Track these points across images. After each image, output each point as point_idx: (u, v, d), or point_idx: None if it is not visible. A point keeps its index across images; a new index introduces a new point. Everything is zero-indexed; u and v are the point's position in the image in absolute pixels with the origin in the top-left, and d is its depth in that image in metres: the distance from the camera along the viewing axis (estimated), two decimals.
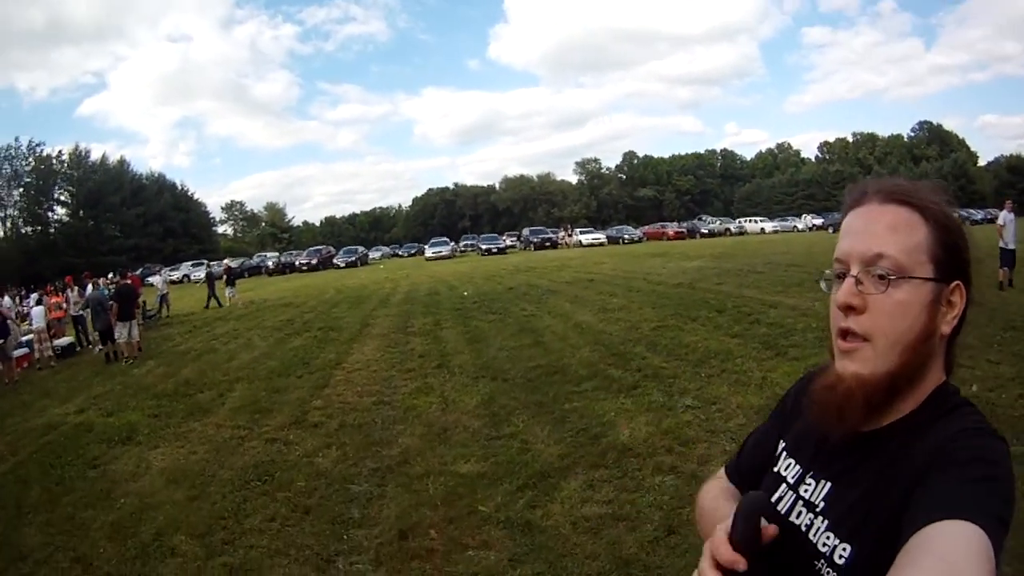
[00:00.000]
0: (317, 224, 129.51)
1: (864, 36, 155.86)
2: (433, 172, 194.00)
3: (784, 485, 1.33)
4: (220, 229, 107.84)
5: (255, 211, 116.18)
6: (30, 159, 77.02)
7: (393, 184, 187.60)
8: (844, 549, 1.12)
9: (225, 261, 41.42)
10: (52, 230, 77.39)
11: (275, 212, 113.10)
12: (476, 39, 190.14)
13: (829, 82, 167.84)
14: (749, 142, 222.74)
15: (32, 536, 6.29)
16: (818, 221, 63.34)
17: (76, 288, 20.48)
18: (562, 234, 64.91)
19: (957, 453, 1.07)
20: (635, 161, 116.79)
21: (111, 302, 16.38)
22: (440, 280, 30.34)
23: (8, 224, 76.12)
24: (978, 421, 1.16)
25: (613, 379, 9.45)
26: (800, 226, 65.54)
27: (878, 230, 1.19)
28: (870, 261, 1.17)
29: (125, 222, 78.85)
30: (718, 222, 73.42)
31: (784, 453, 1.38)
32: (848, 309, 1.18)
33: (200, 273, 47.60)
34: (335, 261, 59.56)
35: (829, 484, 1.23)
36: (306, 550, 5.34)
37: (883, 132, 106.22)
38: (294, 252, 72.36)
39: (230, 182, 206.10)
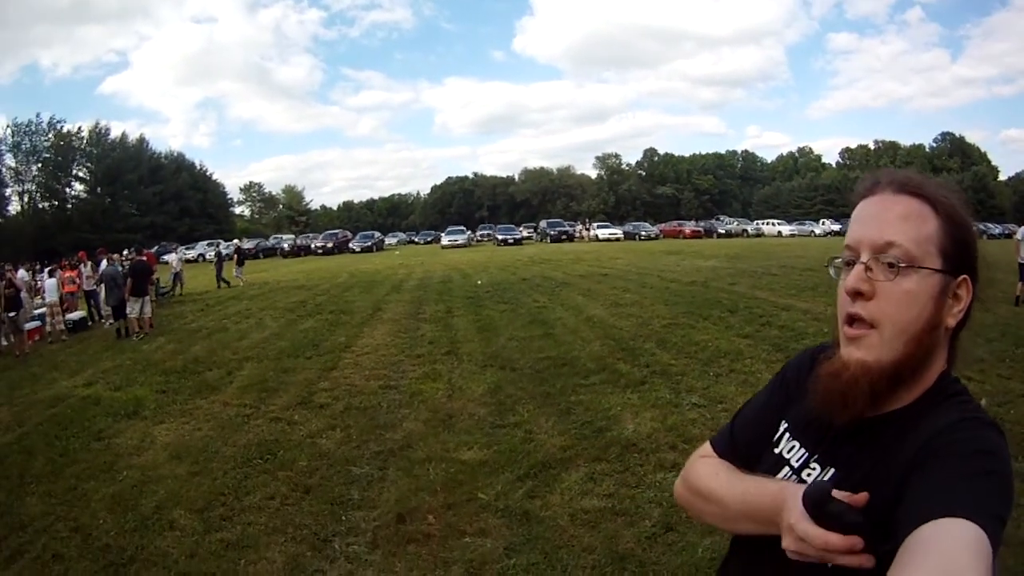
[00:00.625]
0: (335, 208, 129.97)
1: (890, 44, 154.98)
2: (453, 161, 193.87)
3: (787, 468, 1.33)
4: (237, 210, 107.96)
5: (273, 193, 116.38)
6: (50, 135, 77.27)
7: (412, 172, 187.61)
8: None
9: (235, 241, 41.35)
10: (69, 206, 77.93)
11: (293, 195, 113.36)
12: (501, 30, 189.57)
13: (853, 89, 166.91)
14: (770, 145, 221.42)
15: (34, 505, 6.32)
16: (836, 227, 63.10)
17: (90, 263, 20.55)
18: (579, 228, 64.88)
19: (957, 444, 1.07)
20: (655, 158, 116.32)
21: (125, 277, 16.43)
22: (454, 268, 30.38)
23: (26, 199, 76.42)
24: (975, 409, 1.17)
25: (621, 374, 9.41)
26: (817, 231, 65.21)
27: (890, 219, 1.20)
28: (881, 249, 1.18)
29: (142, 200, 79.20)
30: (735, 223, 73.02)
31: (787, 435, 1.38)
32: (856, 295, 1.19)
33: (224, 251, 48.00)
34: (351, 245, 59.56)
35: (833, 471, 1.24)
36: (304, 529, 5.35)
37: (905, 141, 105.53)
38: (310, 235, 72.36)
39: (249, 163, 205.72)
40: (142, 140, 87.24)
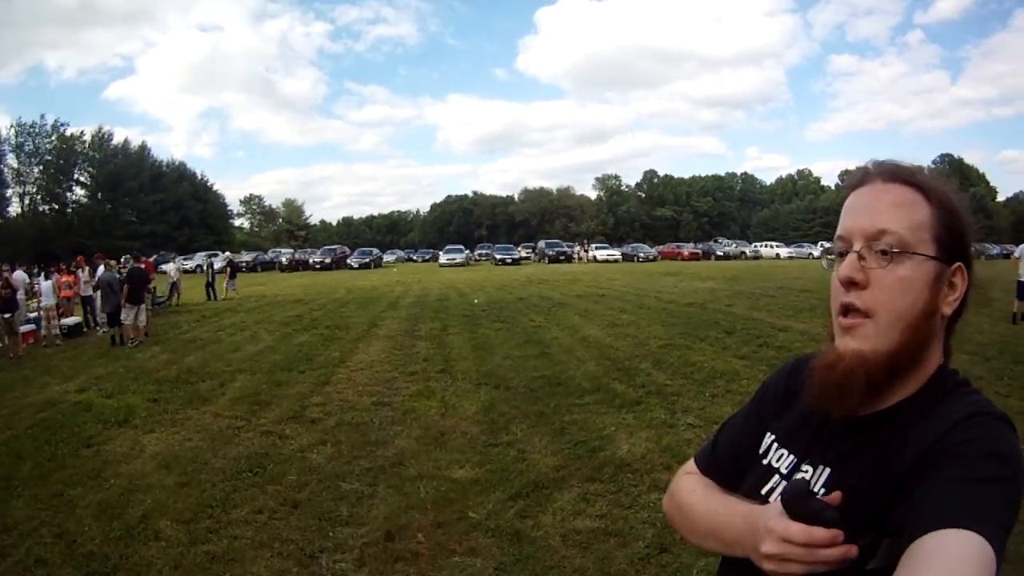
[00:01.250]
0: (334, 224, 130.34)
1: (891, 67, 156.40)
2: (453, 179, 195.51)
3: (777, 476, 1.29)
4: (237, 222, 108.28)
5: (273, 206, 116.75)
6: (53, 137, 77.52)
7: (412, 189, 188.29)
8: None
9: (227, 254, 41.33)
10: (69, 210, 78.31)
11: (293, 209, 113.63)
12: (505, 49, 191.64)
13: (852, 111, 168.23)
14: (770, 167, 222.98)
15: (19, 510, 6.25)
16: None
17: (88, 268, 20.47)
18: (577, 249, 64.93)
19: (966, 445, 1.03)
20: (655, 180, 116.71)
21: (122, 284, 16.38)
22: (451, 287, 30.43)
23: (26, 201, 76.69)
24: (982, 403, 1.14)
25: (616, 394, 9.35)
26: (815, 253, 64.99)
27: (881, 207, 1.18)
28: (873, 236, 1.16)
29: (142, 208, 79.62)
30: (734, 245, 73.34)
31: (775, 445, 1.34)
32: (850, 284, 1.16)
33: (216, 263, 48.07)
34: (349, 261, 59.79)
35: (828, 470, 1.20)
36: (290, 544, 5.27)
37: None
38: (309, 250, 72.74)
39: (250, 175, 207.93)
40: (144, 147, 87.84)
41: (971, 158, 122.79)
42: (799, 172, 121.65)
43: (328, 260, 58.34)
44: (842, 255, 1.19)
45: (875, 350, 1.13)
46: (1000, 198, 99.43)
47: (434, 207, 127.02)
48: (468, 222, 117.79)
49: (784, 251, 68.03)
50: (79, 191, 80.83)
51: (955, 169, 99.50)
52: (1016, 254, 15.35)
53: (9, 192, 75.22)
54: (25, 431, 8.86)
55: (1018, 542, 1.28)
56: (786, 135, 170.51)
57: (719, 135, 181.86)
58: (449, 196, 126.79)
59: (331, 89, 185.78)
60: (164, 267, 30.43)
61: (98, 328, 18.81)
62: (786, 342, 12.44)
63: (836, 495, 1.04)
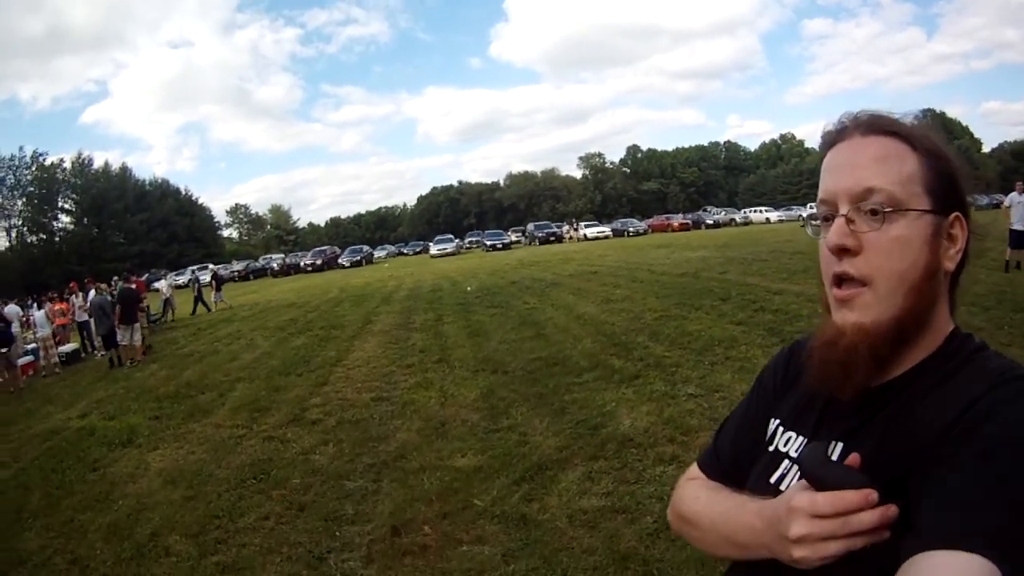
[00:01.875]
0: (322, 225, 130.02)
1: (865, 27, 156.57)
2: (437, 170, 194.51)
3: (787, 461, 1.19)
4: (225, 233, 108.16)
5: (260, 214, 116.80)
6: (33, 168, 77.50)
7: (397, 183, 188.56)
8: None
9: (210, 267, 41.37)
10: (57, 238, 78.22)
11: (280, 214, 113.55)
12: (477, 38, 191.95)
13: (831, 73, 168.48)
14: (752, 133, 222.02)
15: (31, 540, 6.25)
16: None
17: (81, 294, 20.41)
18: (567, 228, 64.91)
19: (987, 425, 0.91)
20: (639, 155, 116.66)
21: (114, 306, 16.35)
22: (444, 276, 30.36)
23: (13, 234, 76.81)
24: (1007, 367, 1.01)
25: (615, 369, 9.31)
26: (805, 215, 64.66)
27: (864, 163, 1.07)
28: (860, 197, 1.05)
29: (129, 228, 79.61)
30: (723, 213, 73.18)
31: (780, 429, 1.25)
32: (841, 251, 1.06)
33: (206, 276, 47.96)
34: (340, 261, 59.74)
35: (841, 445, 1.09)
36: (298, 547, 5.26)
37: None
38: (299, 253, 72.61)
39: (234, 186, 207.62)
40: (125, 169, 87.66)
41: (953, 112, 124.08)
42: (782, 136, 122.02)
43: (319, 261, 58.12)
44: (828, 220, 1.10)
45: (877, 321, 1.04)
46: (985, 149, 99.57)
47: (421, 199, 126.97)
48: (456, 211, 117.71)
49: (774, 215, 67.85)
50: (64, 218, 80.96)
51: (938, 123, 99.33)
52: (1006, 203, 15.35)
53: None
54: (32, 462, 8.83)
55: None
56: (766, 101, 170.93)
57: (698, 106, 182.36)
58: (435, 187, 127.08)
59: (307, 93, 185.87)
60: (156, 285, 30.38)
61: (96, 352, 18.80)
62: (782, 305, 12.39)
63: (854, 456, 0.96)
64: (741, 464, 1.29)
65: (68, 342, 19.81)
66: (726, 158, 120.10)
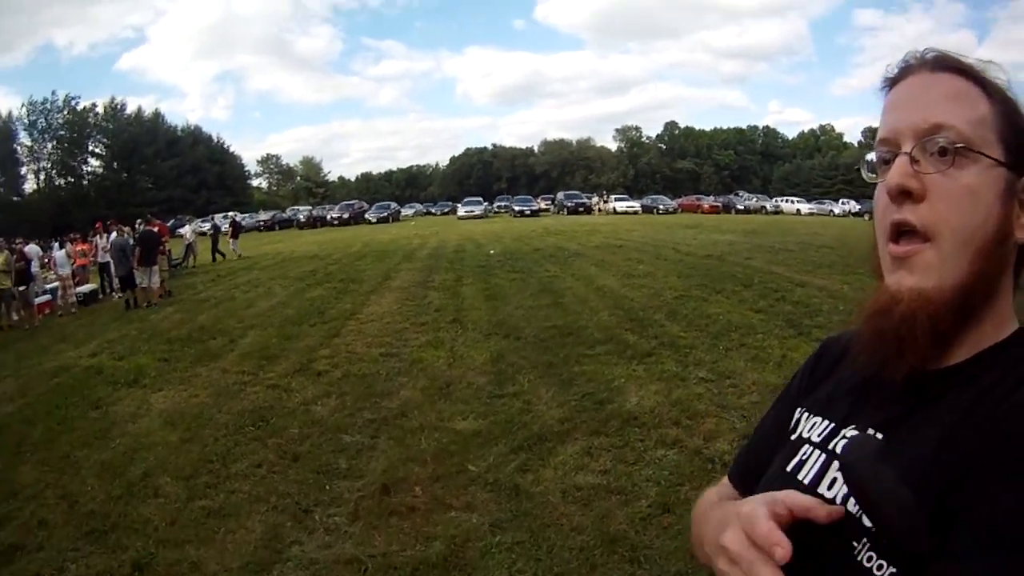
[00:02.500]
0: (353, 180, 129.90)
1: (916, 23, 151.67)
2: (473, 132, 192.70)
3: (807, 446, 0.97)
4: (255, 182, 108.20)
5: (291, 165, 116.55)
6: (65, 112, 77.68)
7: (432, 142, 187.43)
8: None
9: (230, 214, 41.54)
10: (85, 182, 78.70)
11: (311, 167, 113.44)
12: None
13: (876, 67, 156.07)
14: (792, 121, 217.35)
15: (27, 474, 6.30)
16: (855, 207, 61.99)
17: (105, 235, 20.48)
18: (596, 200, 64.37)
19: None
20: (676, 132, 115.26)
21: (134, 248, 16.40)
22: (469, 238, 30.30)
23: (42, 176, 77.26)
24: None
25: (628, 344, 9.18)
26: (836, 210, 63.65)
27: (933, 98, 0.90)
28: (927, 132, 0.88)
29: (159, 174, 79.83)
30: (754, 199, 71.94)
31: (805, 415, 1.04)
32: (903, 195, 0.87)
33: (224, 224, 48.23)
34: (367, 216, 59.37)
35: (880, 436, 0.89)
36: (286, 498, 5.23)
37: None
38: (327, 206, 72.43)
39: (268, 136, 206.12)
40: (158, 115, 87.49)
41: None
42: (821, 127, 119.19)
43: (346, 216, 57.88)
44: (887, 163, 0.91)
45: (940, 286, 0.85)
46: None
47: (453, 160, 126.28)
48: (488, 175, 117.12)
49: (805, 207, 66.38)
50: (94, 162, 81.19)
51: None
52: None
53: (24, 170, 76.09)
54: (38, 398, 8.90)
55: None
56: (809, 89, 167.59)
57: (741, 87, 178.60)
58: (468, 149, 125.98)
59: (347, 45, 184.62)
60: (180, 230, 30.49)
61: (114, 293, 18.90)
62: (804, 297, 12.13)
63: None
64: (764, 465, 1.07)
65: (87, 282, 19.99)
66: (763, 143, 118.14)
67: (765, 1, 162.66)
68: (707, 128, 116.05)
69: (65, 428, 7.49)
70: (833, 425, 0.96)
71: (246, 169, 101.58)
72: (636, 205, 60.30)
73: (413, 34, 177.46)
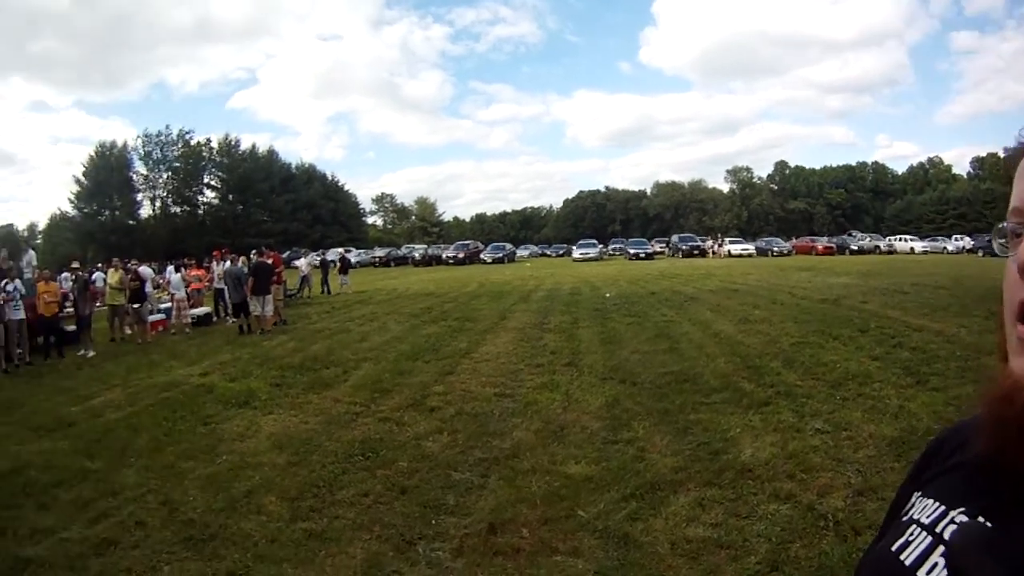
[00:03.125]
0: (467, 220, 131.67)
1: (1011, 41, 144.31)
2: (585, 174, 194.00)
3: (915, 527, 0.88)
4: (370, 220, 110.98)
5: (405, 204, 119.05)
6: (179, 145, 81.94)
7: (545, 184, 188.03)
8: None
9: (339, 250, 42.39)
10: (200, 211, 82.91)
11: (425, 206, 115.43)
12: (626, 42, 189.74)
13: (978, 92, 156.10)
14: (900, 155, 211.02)
15: (129, 477, 6.61)
16: (969, 243, 59.53)
17: (223, 263, 21.28)
18: (710, 243, 63.60)
19: None
20: (786, 171, 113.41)
21: (248, 277, 16.96)
22: (584, 280, 30.09)
23: (157, 204, 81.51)
24: None
25: (744, 393, 8.90)
26: (950, 247, 61.65)
27: None
28: None
29: (274, 207, 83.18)
30: (868, 239, 69.82)
31: (919, 497, 0.94)
32: None
33: (349, 259, 49.21)
34: (482, 256, 59.89)
35: (989, 525, 0.79)
36: (391, 529, 5.23)
37: None
38: (442, 245, 73.32)
39: (382, 175, 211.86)
40: (272, 152, 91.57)
41: None
42: (930, 160, 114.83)
43: (461, 255, 58.28)
44: (1018, 236, 0.80)
45: None
46: None
47: (567, 202, 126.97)
48: (601, 217, 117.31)
49: (919, 245, 64.35)
50: (209, 193, 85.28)
51: None
52: None
53: (139, 197, 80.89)
54: (146, 408, 9.31)
55: None
56: (915, 120, 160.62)
57: (847, 123, 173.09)
58: (581, 191, 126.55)
59: (457, 90, 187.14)
60: (296, 262, 31.40)
61: (227, 318, 19.63)
62: (921, 343, 11.56)
63: None
64: None
65: (201, 306, 20.84)
66: (873, 180, 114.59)
67: (863, 31, 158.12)
68: (817, 167, 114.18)
69: (172, 440, 7.78)
70: (943, 508, 0.87)
71: (361, 207, 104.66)
72: (750, 248, 59.49)
73: (521, 78, 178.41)
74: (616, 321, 16.06)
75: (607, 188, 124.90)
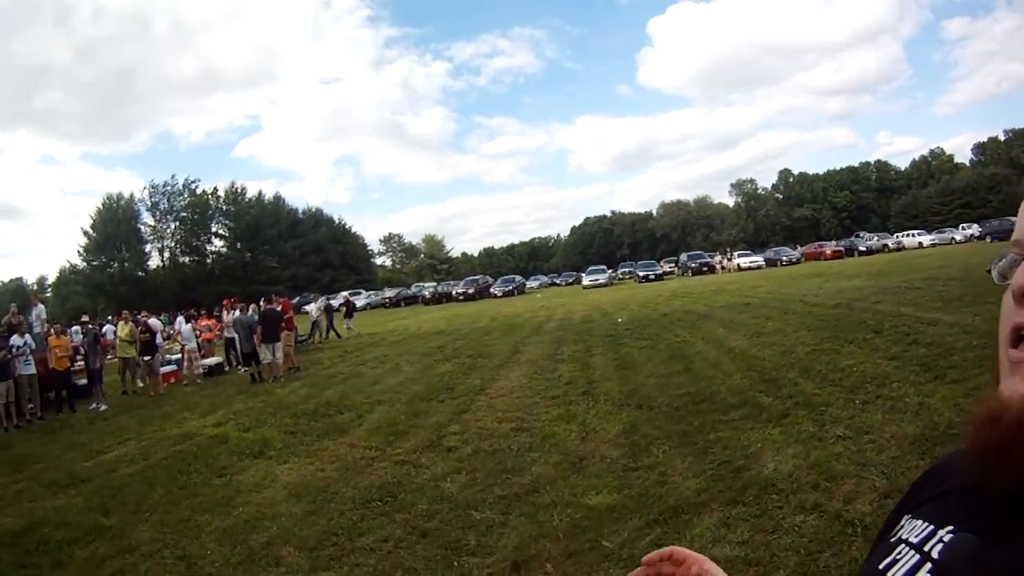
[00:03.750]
0: (476, 255, 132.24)
1: (1002, 21, 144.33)
2: (591, 200, 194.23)
3: (904, 546, 0.88)
4: (379, 260, 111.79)
5: (413, 243, 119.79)
6: (185, 195, 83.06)
7: (552, 214, 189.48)
8: None
9: (344, 294, 42.51)
10: (209, 260, 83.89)
11: (433, 244, 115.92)
12: (624, 65, 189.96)
13: (974, 78, 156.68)
14: (902, 151, 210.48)
15: (145, 532, 6.63)
16: (976, 231, 59.36)
17: (232, 311, 21.35)
18: (719, 258, 63.57)
19: None
20: (790, 179, 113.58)
21: (257, 325, 17.05)
22: (595, 307, 30.04)
23: (166, 254, 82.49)
24: None
25: (762, 407, 8.80)
26: (958, 237, 61.48)
27: None
28: None
29: (283, 254, 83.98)
30: (875, 238, 69.70)
31: (908, 519, 0.94)
32: None
33: (359, 302, 49.01)
34: (492, 290, 59.87)
35: (977, 540, 0.79)
36: (412, 573, 5.20)
37: None
38: (452, 282, 73.45)
39: (388, 215, 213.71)
40: (278, 198, 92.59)
41: None
42: (931, 152, 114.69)
43: (471, 290, 58.38)
44: (1016, 265, 0.83)
45: None
46: None
47: (574, 230, 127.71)
48: (609, 242, 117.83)
49: (927, 239, 64.06)
50: (217, 242, 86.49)
51: None
52: None
53: (148, 248, 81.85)
54: (160, 461, 9.34)
55: None
56: (914, 114, 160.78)
57: (848, 124, 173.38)
58: (588, 218, 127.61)
59: (460, 125, 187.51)
60: (306, 308, 31.45)
61: (239, 367, 19.68)
62: (936, 337, 11.45)
63: None
64: None
65: (213, 356, 20.89)
66: (877, 179, 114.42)
67: (856, 31, 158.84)
68: (820, 171, 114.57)
69: (187, 493, 7.78)
70: (932, 528, 0.88)
71: (369, 248, 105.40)
72: (760, 259, 59.48)
73: (523, 109, 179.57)
74: (629, 346, 15.97)
75: (613, 212, 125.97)
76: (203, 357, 19.71)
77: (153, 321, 18.79)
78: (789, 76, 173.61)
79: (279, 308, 18.86)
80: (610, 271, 66.08)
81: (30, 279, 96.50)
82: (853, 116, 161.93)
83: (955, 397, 7.59)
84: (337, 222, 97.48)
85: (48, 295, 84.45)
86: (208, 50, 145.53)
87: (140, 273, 78.80)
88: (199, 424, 11.69)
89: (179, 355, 19.08)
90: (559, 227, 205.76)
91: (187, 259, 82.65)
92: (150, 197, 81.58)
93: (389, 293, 66.79)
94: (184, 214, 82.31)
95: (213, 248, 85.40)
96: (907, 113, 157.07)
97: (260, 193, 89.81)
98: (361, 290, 64.22)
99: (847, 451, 6.69)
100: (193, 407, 13.66)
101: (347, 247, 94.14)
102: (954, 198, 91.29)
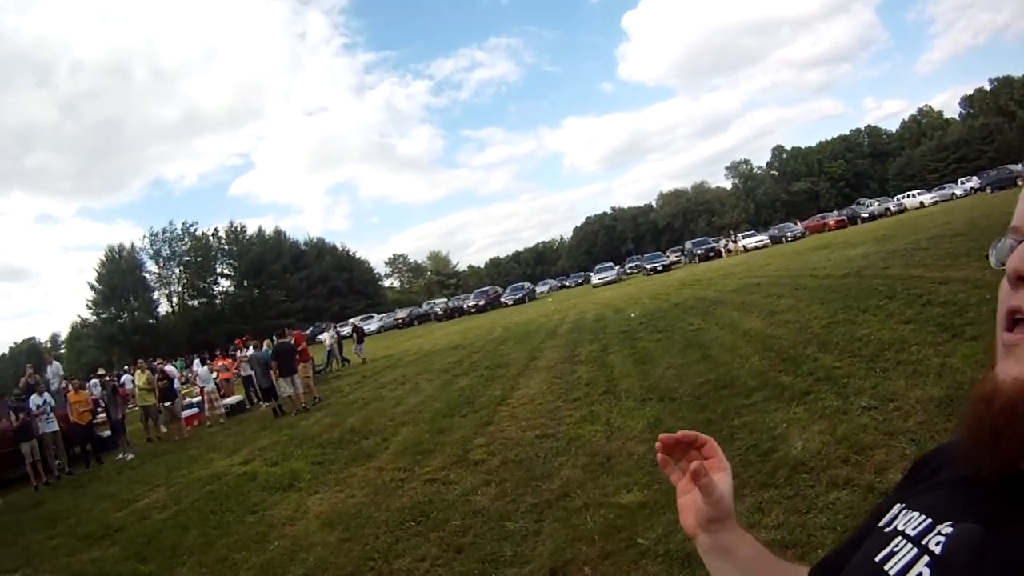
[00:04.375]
0: (482, 266, 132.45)
1: None
2: (589, 200, 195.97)
3: (900, 538, 0.88)
4: (386, 283, 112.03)
5: (419, 262, 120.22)
6: (186, 239, 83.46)
7: (552, 217, 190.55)
8: None
9: (352, 321, 42.53)
10: (218, 300, 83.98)
11: (439, 260, 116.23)
12: (603, 63, 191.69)
13: (951, 32, 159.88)
14: (891, 113, 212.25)
15: (184, 575, 6.70)
16: (976, 183, 59.09)
17: (246, 349, 21.46)
18: (723, 242, 63.42)
19: None
20: (784, 155, 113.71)
21: (272, 359, 17.07)
22: (607, 305, 29.96)
23: (174, 299, 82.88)
24: None
25: (784, 387, 8.76)
26: (958, 192, 60.89)
27: None
28: None
29: (290, 287, 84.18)
30: (876, 203, 69.17)
31: (904, 510, 0.93)
32: (1020, 280, 0.80)
33: (372, 326, 48.89)
34: (503, 300, 59.67)
35: (980, 531, 0.78)
36: None
37: (1017, 72, 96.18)
38: (462, 296, 73.60)
39: (390, 237, 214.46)
40: (279, 232, 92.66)
41: None
42: (920, 111, 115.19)
43: (482, 302, 58.12)
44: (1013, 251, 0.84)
45: None
46: None
47: (576, 231, 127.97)
48: (612, 238, 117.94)
49: (927, 197, 63.53)
50: (224, 282, 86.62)
51: None
52: None
53: (155, 294, 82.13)
54: (192, 504, 9.42)
55: None
56: (897, 76, 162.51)
57: (832, 94, 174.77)
58: (589, 217, 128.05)
59: (448, 141, 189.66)
60: (320, 337, 31.48)
61: (260, 404, 19.69)
62: (949, 295, 11.35)
63: None
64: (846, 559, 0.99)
65: (232, 394, 20.98)
66: (869, 144, 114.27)
67: (827, 1, 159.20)
68: (813, 143, 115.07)
69: (221, 532, 7.83)
70: (930, 521, 0.87)
71: (375, 272, 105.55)
72: (764, 238, 59.16)
73: (509, 117, 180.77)
74: (645, 340, 15.96)
75: (613, 209, 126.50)
76: (223, 397, 19.89)
77: (169, 368, 19.03)
78: (768, 53, 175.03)
79: (292, 340, 18.86)
80: (618, 267, 66.30)
81: (42, 337, 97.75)
82: (836, 85, 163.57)
83: (975, 354, 7.50)
84: (340, 249, 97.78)
85: (63, 351, 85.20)
86: (189, 94, 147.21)
87: (151, 320, 79.15)
88: (227, 463, 11.76)
89: (199, 398, 19.19)
90: (560, 229, 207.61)
91: (196, 302, 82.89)
92: (151, 245, 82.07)
93: (401, 314, 66.68)
94: (187, 258, 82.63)
95: (220, 288, 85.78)
96: (890, 76, 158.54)
97: (260, 229, 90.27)
98: (373, 314, 64.20)
99: (873, 421, 6.64)
100: (219, 447, 13.75)
101: (353, 273, 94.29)
102: (948, 153, 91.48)
